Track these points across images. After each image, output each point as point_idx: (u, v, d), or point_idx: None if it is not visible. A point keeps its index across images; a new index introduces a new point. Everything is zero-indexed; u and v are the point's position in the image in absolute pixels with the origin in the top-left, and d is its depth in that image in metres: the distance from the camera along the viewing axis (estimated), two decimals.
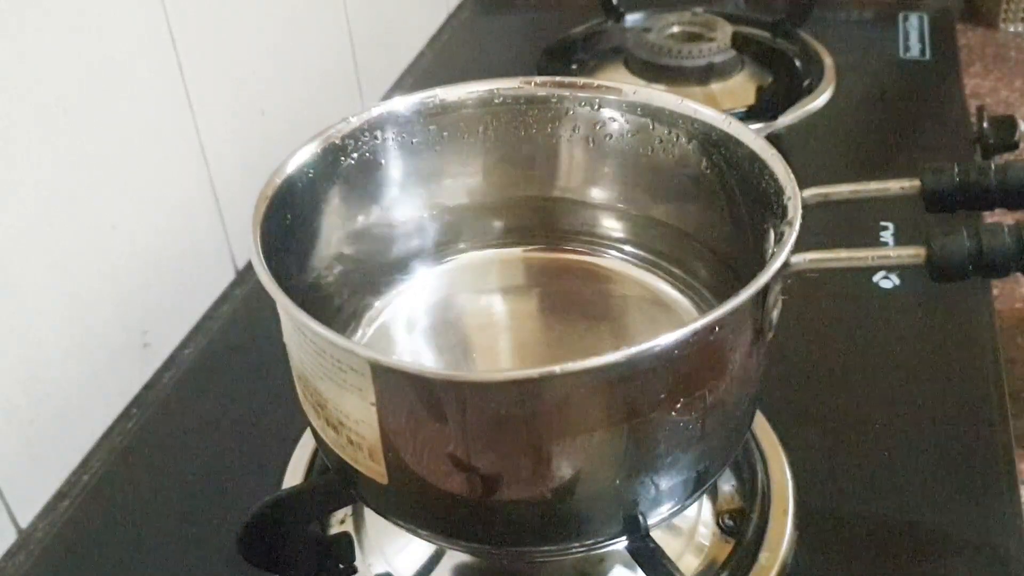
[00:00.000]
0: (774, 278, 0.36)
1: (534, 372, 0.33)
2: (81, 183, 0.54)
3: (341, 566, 0.46)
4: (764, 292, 0.36)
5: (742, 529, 0.46)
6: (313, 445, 0.52)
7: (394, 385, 0.34)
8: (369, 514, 0.48)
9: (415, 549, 0.46)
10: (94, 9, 0.53)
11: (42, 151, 0.51)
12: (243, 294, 0.67)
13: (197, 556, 0.48)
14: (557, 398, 0.34)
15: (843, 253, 0.37)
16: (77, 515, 0.51)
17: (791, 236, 0.36)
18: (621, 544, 0.39)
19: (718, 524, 0.47)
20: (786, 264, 0.36)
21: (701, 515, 0.48)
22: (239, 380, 0.59)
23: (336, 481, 0.42)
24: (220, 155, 0.66)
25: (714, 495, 0.49)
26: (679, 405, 0.35)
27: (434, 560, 0.46)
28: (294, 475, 0.51)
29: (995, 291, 0.63)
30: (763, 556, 0.45)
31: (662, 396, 0.35)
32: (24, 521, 0.52)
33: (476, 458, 0.35)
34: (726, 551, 0.46)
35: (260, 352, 0.61)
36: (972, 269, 0.36)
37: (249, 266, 0.69)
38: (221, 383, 0.59)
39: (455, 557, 0.46)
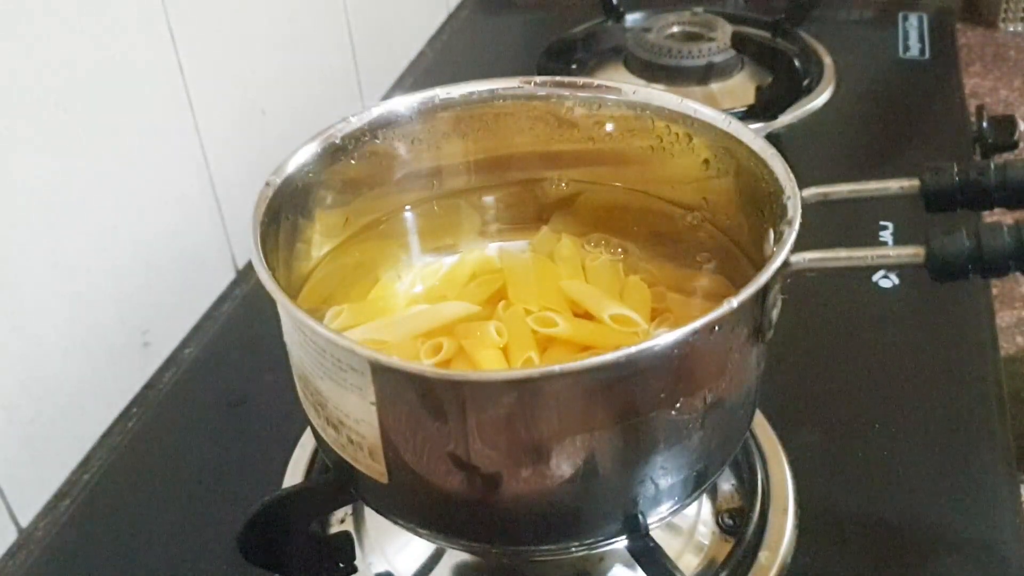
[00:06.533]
0: (773, 278, 0.36)
1: (534, 372, 0.33)
2: (81, 183, 0.54)
3: (341, 565, 0.46)
4: (763, 292, 0.36)
5: (742, 528, 0.46)
6: (313, 445, 0.52)
7: (394, 384, 0.34)
8: (369, 513, 0.48)
9: (415, 548, 0.46)
10: (94, 9, 0.53)
11: (43, 151, 0.51)
12: (243, 294, 0.67)
13: (197, 555, 0.48)
14: (557, 397, 0.34)
15: (843, 253, 0.37)
16: (77, 515, 0.51)
17: (791, 236, 0.36)
18: (621, 543, 0.39)
19: (718, 523, 0.47)
20: (786, 264, 0.36)
21: (701, 514, 0.48)
22: (239, 380, 0.59)
23: (336, 480, 0.42)
24: (220, 155, 0.66)
25: (714, 494, 0.49)
26: (679, 405, 0.35)
27: (434, 559, 0.46)
28: (294, 475, 0.51)
29: (995, 291, 0.63)
30: (763, 555, 0.45)
31: (662, 396, 0.35)
32: (24, 521, 0.52)
33: (476, 457, 0.35)
34: (726, 550, 0.46)
35: (260, 352, 0.61)
36: (972, 269, 0.36)
37: (249, 266, 0.69)
38: (221, 383, 0.59)
39: (455, 556, 0.46)
